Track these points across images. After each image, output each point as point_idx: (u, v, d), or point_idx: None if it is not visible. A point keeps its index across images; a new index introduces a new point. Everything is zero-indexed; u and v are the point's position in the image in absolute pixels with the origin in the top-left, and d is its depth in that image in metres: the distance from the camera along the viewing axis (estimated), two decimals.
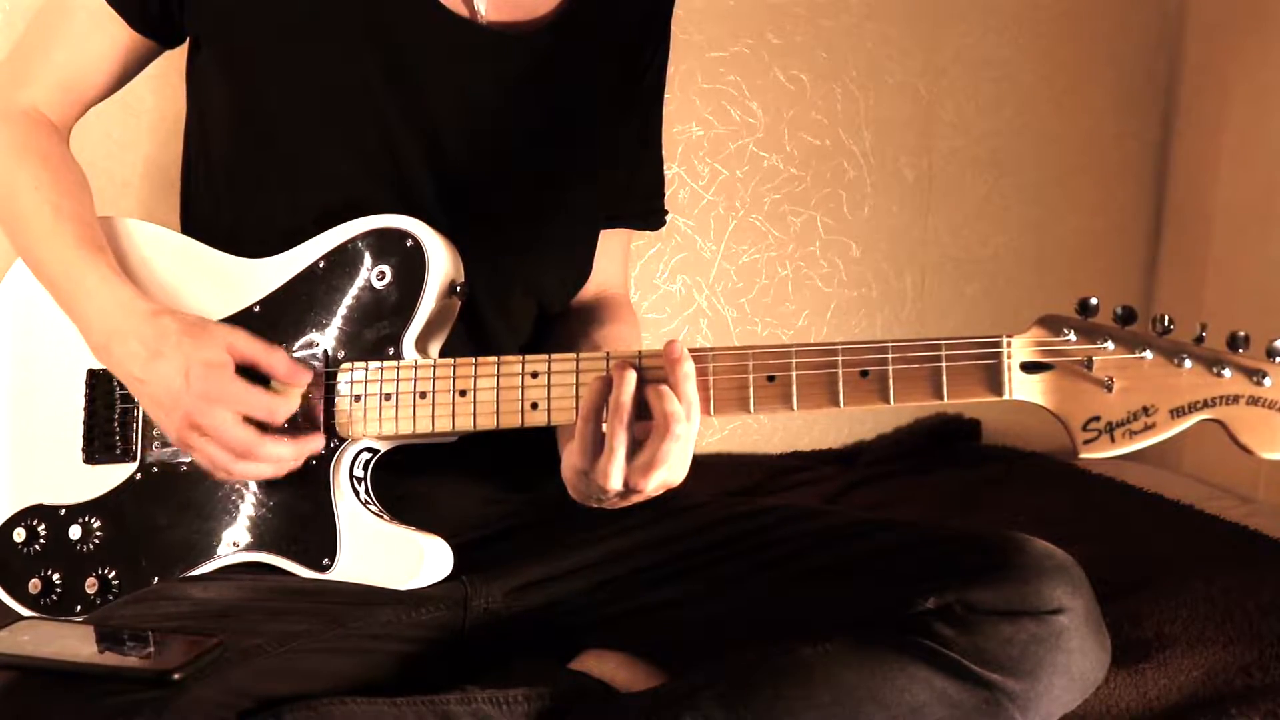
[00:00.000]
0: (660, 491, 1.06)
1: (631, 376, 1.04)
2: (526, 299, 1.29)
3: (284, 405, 1.11)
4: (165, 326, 1.12)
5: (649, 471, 1.03)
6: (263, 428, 1.10)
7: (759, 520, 1.26)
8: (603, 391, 1.05)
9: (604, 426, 1.04)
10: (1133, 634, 1.34)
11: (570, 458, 1.07)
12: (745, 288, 2.07)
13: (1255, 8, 2.08)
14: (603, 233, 1.38)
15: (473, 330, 1.22)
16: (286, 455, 1.12)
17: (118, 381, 1.21)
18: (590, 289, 1.38)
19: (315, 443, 1.13)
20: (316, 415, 1.14)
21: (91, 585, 1.19)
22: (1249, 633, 1.34)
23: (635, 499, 1.07)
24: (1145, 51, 2.24)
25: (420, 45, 1.20)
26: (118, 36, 1.23)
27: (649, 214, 1.45)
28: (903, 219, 2.15)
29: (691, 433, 1.03)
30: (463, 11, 1.21)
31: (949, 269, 2.19)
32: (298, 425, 1.13)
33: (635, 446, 1.04)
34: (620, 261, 1.43)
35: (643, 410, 1.04)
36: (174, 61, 1.30)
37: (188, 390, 1.09)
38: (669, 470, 1.03)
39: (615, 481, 1.04)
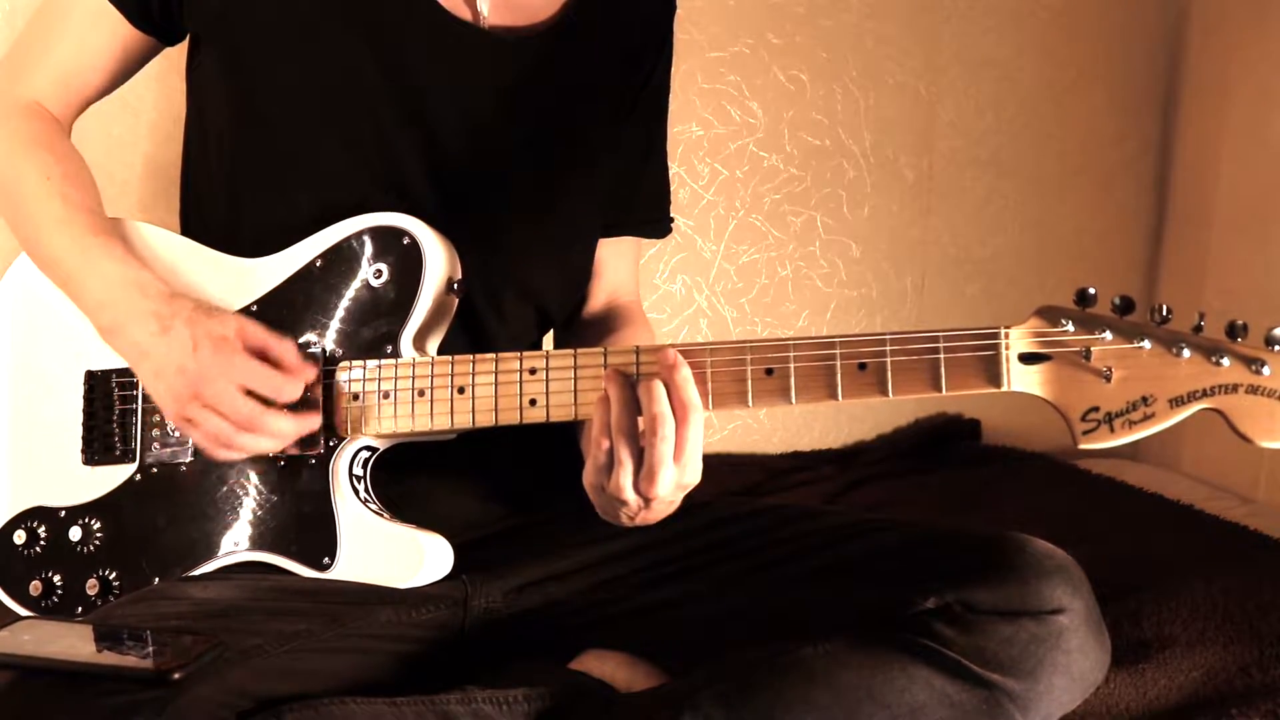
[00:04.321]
0: (679, 495, 1.06)
1: (624, 389, 1.04)
2: (522, 303, 1.28)
3: (290, 386, 1.11)
4: (180, 304, 1.13)
5: (652, 478, 1.02)
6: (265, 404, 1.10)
7: (759, 520, 1.26)
8: (606, 409, 1.05)
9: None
10: (1133, 634, 1.34)
11: (587, 476, 1.07)
12: (745, 288, 2.07)
13: (1255, 8, 2.08)
14: (611, 240, 1.38)
15: (471, 335, 1.22)
16: (289, 430, 1.12)
17: (116, 382, 1.21)
18: (601, 298, 1.39)
19: (314, 421, 1.13)
20: (316, 401, 1.14)
21: (92, 586, 1.19)
22: (1249, 633, 1.34)
23: (659, 508, 1.07)
24: (1145, 51, 2.25)
25: (420, 47, 1.20)
26: (117, 32, 1.23)
27: (655, 222, 1.45)
28: (903, 219, 2.15)
29: (688, 434, 1.03)
30: (465, 14, 1.21)
31: (949, 269, 2.19)
32: (296, 410, 1.13)
33: (643, 455, 1.04)
34: (629, 269, 1.43)
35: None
36: (174, 60, 1.30)
37: (195, 361, 1.09)
38: (677, 472, 1.03)
39: (629, 494, 1.04)
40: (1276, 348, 0.99)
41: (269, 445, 1.12)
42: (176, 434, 1.18)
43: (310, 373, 1.13)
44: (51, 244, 1.19)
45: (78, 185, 1.21)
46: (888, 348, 1.04)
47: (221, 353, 1.09)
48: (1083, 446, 1.03)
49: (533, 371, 1.10)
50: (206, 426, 1.11)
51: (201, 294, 1.18)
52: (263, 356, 1.11)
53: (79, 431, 1.22)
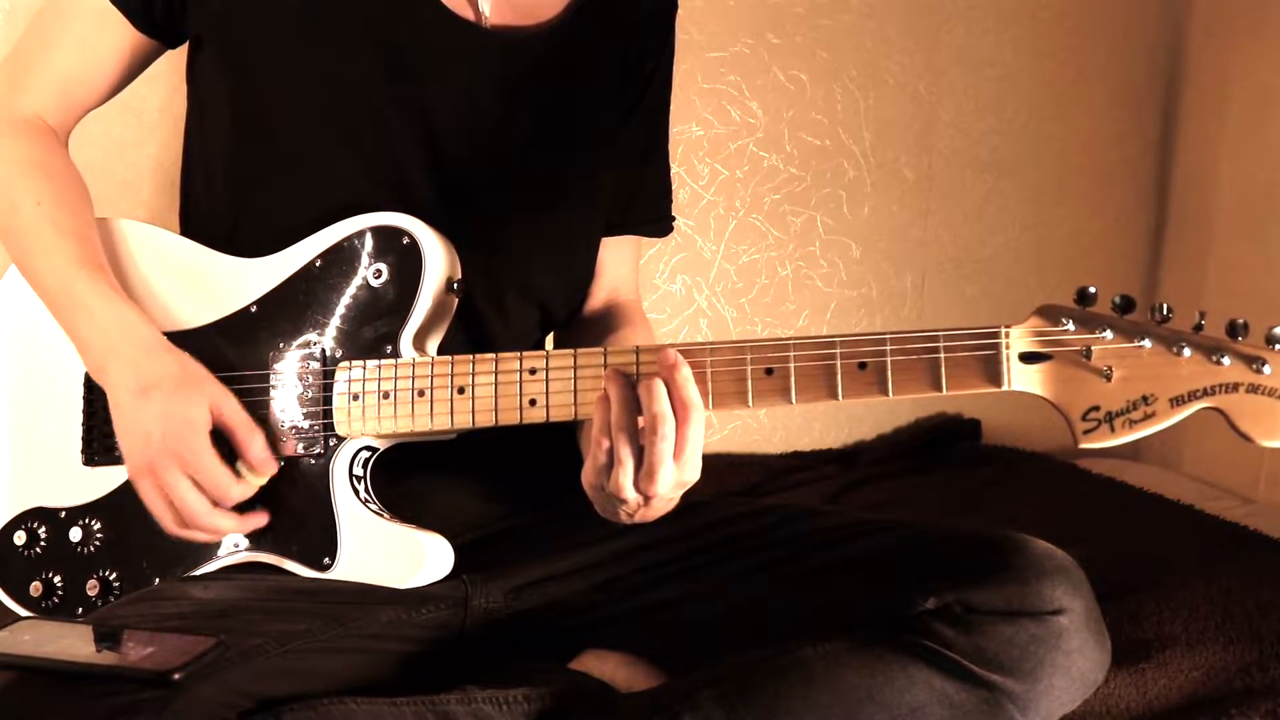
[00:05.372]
0: (678, 493, 1.07)
1: (624, 389, 1.04)
2: (524, 302, 1.28)
3: (237, 491, 1.12)
4: (162, 368, 1.12)
5: (652, 476, 1.03)
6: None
7: (759, 520, 1.26)
8: (606, 408, 1.05)
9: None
10: (1133, 634, 1.34)
11: (586, 475, 1.08)
12: (745, 288, 2.07)
13: (1255, 8, 2.08)
14: (612, 240, 1.37)
15: (473, 334, 1.22)
16: (228, 528, 1.14)
17: None
18: (600, 296, 1.38)
19: (258, 521, 1.14)
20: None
21: (93, 587, 1.19)
22: (1249, 633, 1.34)
23: (659, 506, 1.07)
24: (1145, 51, 2.25)
25: (421, 46, 1.20)
26: (121, 36, 1.23)
27: (656, 221, 1.45)
28: (903, 219, 2.15)
29: (689, 433, 1.03)
30: (466, 14, 1.21)
31: (949, 269, 2.19)
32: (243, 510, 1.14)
33: (642, 454, 1.04)
34: (630, 268, 1.43)
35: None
36: (174, 61, 1.30)
37: (159, 440, 1.10)
38: (677, 470, 1.03)
39: (629, 492, 1.04)
40: (1277, 346, 0.99)
41: (204, 539, 1.15)
42: None
43: (270, 469, 1.14)
44: (40, 271, 1.19)
45: (68, 209, 1.20)
46: (888, 347, 1.04)
47: (184, 439, 1.10)
48: (1083, 446, 1.02)
49: (532, 371, 1.10)
50: (151, 501, 1.13)
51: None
52: (231, 438, 1.12)
53: (79, 432, 1.22)
